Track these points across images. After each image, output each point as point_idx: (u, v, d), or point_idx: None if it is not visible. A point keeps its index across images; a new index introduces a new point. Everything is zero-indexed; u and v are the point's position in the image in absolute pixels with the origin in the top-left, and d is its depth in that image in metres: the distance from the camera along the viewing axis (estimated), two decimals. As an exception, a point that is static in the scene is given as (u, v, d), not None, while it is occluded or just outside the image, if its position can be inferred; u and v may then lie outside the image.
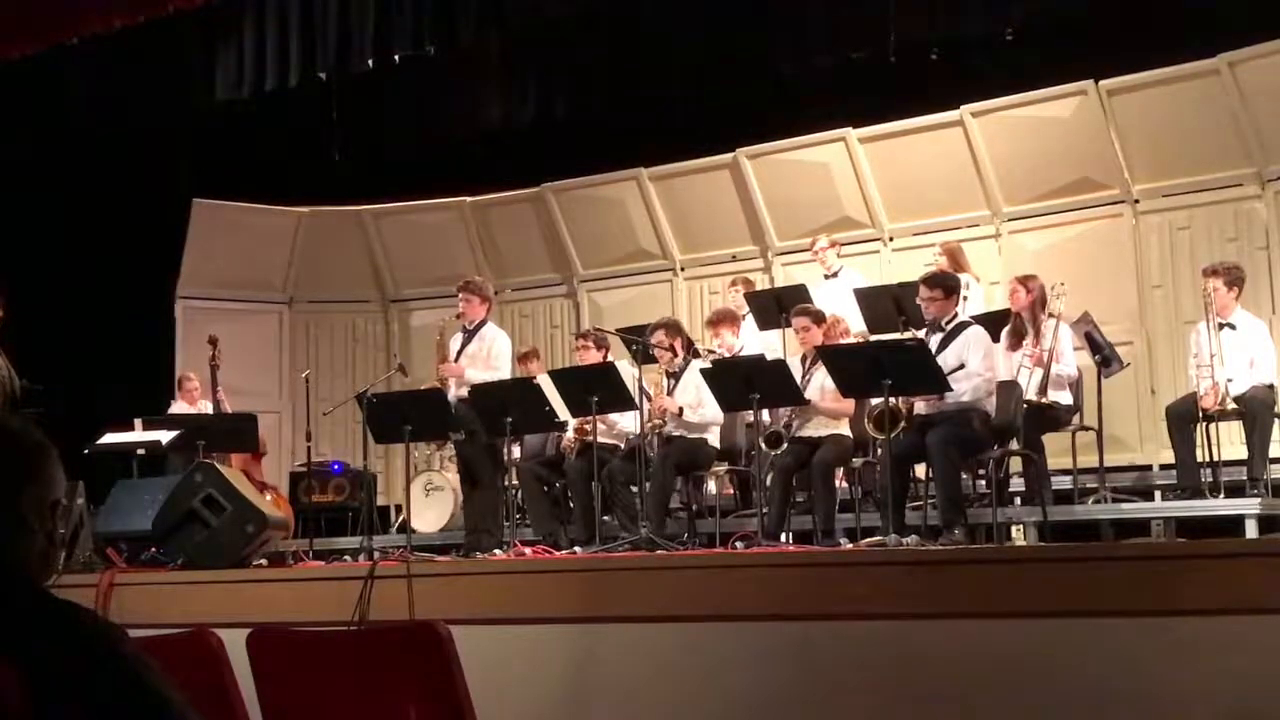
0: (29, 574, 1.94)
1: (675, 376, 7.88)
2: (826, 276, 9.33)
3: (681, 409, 7.71)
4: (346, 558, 7.95)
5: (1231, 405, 7.22)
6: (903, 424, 6.74)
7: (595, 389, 7.37)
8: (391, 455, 10.40)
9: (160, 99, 10.26)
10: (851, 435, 7.56)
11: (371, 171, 11.34)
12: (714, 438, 7.86)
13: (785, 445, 7.36)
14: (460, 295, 8.30)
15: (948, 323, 7.03)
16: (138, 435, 8.76)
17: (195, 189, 11.09)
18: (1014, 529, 7.51)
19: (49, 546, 1.98)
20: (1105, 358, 7.95)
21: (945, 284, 7.16)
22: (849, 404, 7.45)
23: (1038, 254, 9.28)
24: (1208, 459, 7.25)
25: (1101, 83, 9.08)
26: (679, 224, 10.84)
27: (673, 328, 8.03)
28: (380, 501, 10.49)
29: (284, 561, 6.98)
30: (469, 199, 11.53)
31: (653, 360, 8.05)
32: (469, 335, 8.25)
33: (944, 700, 4.46)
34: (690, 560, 5.96)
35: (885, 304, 8.28)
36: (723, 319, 8.71)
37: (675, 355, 7.90)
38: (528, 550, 7.30)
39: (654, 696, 4.89)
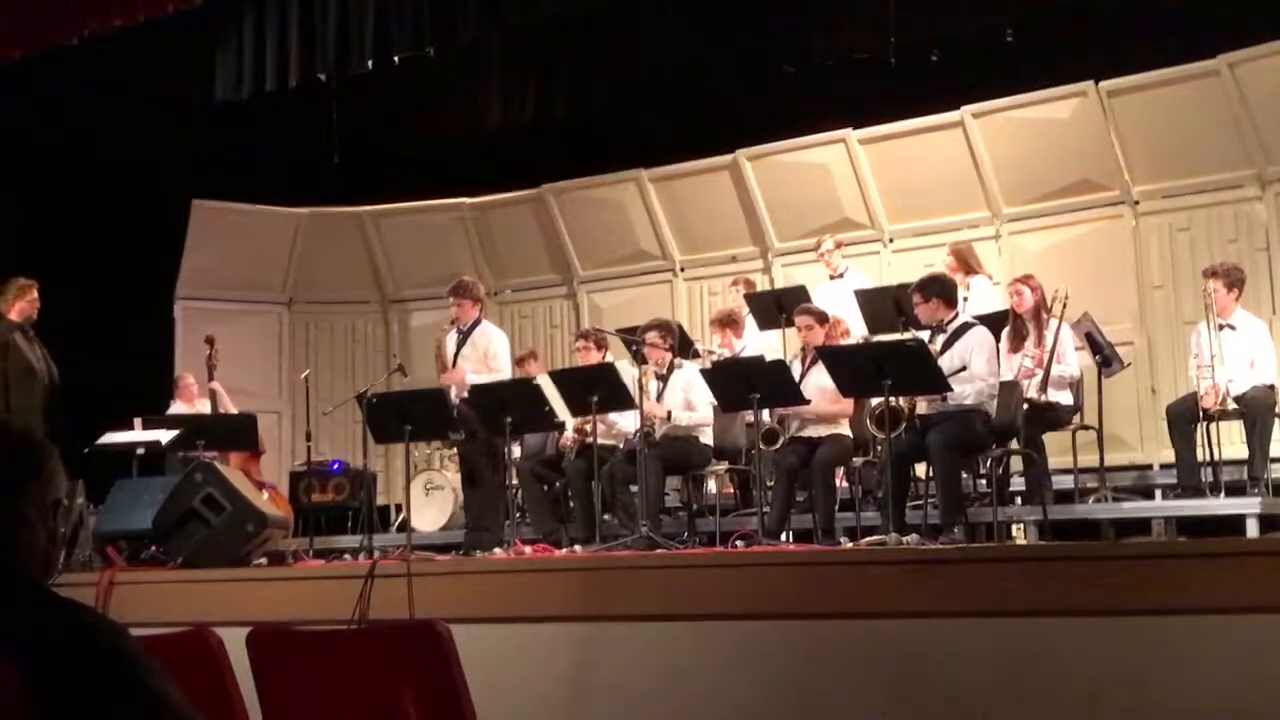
0: (30, 573, 1.94)
1: (664, 379, 7.87)
2: (832, 277, 9.33)
3: (670, 413, 7.70)
4: (346, 557, 7.96)
5: (1232, 405, 7.22)
6: (904, 423, 6.74)
7: (595, 389, 7.37)
8: (391, 455, 10.39)
9: (160, 99, 10.27)
10: (851, 435, 7.56)
11: (371, 172, 11.34)
12: (706, 436, 7.86)
13: (782, 441, 7.36)
14: (451, 300, 8.25)
15: (949, 323, 7.03)
16: (138, 435, 8.76)
17: (195, 189, 11.09)
18: (1014, 528, 7.50)
19: (50, 545, 1.98)
20: (1106, 358, 7.95)
21: (925, 290, 7.15)
22: (845, 406, 7.45)
23: (1038, 255, 9.28)
24: (1208, 458, 7.25)
25: (1101, 83, 9.08)
26: (679, 224, 10.83)
27: (664, 328, 8.01)
28: (380, 501, 10.49)
29: (284, 561, 6.99)
30: (469, 199, 11.52)
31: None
32: (464, 337, 8.22)
33: (944, 700, 4.46)
34: (690, 560, 5.96)
35: (885, 305, 8.28)
36: (728, 321, 8.71)
37: (672, 355, 7.89)
38: (528, 549, 7.30)
39: (654, 695, 4.90)
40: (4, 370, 8.22)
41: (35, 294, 8.35)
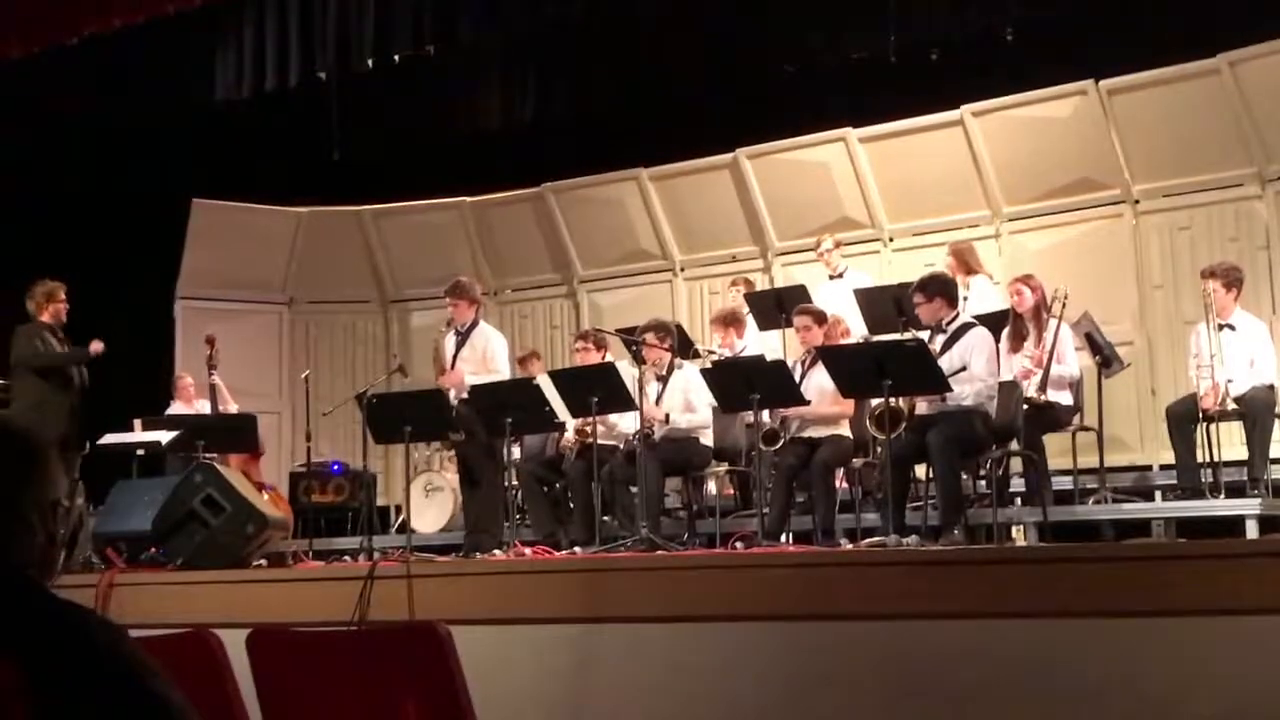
0: (30, 574, 1.94)
1: (663, 380, 7.86)
2: (831, 277, 9.33)
3: (668, 415, 7.69)
4: (346, 558, 7.95)
5: (1231, 406, 7.22)
6: (904, 424, 6.73)
7: (595, 389, 7.36)
8: (391, 455, 10.38)
9: (160, 99, 10.27)
10: (851, 436, 7.56)
11: (371, 171, 11.34)
12: (706, 437, 7.85)
13: (782, 442, 7.35)
14: (449, 300, 8.24)
15: (949, 323, 7.02)
16: (137, 435, 8.77)
17: (195, 189, 11.09)
18: (1014, 529, 7.50)
19: (49, 547, 1.98)
20: (1105, 358, 7.95)
21: (927, 289, 7.14)
22: (845, 407, 7.44)
23: (1038, 254, 9.27)
24: (1208, 459, 7.25)
25: (1101, 83, 9.08)
26: (679, 224, 10.83)
27: (662, 328, 8.00)
28: (380, 502, 10.48)
29: (284, 562, 6.98)
30: (469, 199, 11.52)
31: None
32: (462, 338, 8.21)
33: (944, 700, 4.46)
34: (690, 560, 5.96)
35: (885, 305, 8.28)
36: (730, 320, 8.70)
37: (671, 356, 7.88)
38: (528, 551, 7.28)
39: (654, 696, 4.89)
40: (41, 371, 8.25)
41: (63, 295, 8.38)
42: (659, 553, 6.73)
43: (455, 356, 8.15)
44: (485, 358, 8.10)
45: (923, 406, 6.85)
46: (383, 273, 11.98)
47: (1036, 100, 9.36)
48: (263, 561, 6.78)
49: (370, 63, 9.55)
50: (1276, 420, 7.31)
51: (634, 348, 8.06)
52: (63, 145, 10.42)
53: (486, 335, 8.24)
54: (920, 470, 7.21)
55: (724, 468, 8.16)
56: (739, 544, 6.92)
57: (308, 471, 10.03)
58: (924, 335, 7.08)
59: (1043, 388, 7.36)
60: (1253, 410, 7.21)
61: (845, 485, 7.76)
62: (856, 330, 8.45)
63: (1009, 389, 7.21)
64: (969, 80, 9.52)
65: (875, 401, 6.89)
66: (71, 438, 8.25)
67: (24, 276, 8.85)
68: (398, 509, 10.07)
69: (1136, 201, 9.22)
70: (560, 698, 5.05)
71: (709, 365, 8.05)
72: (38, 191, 10.50)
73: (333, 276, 11.85)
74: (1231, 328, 7.41)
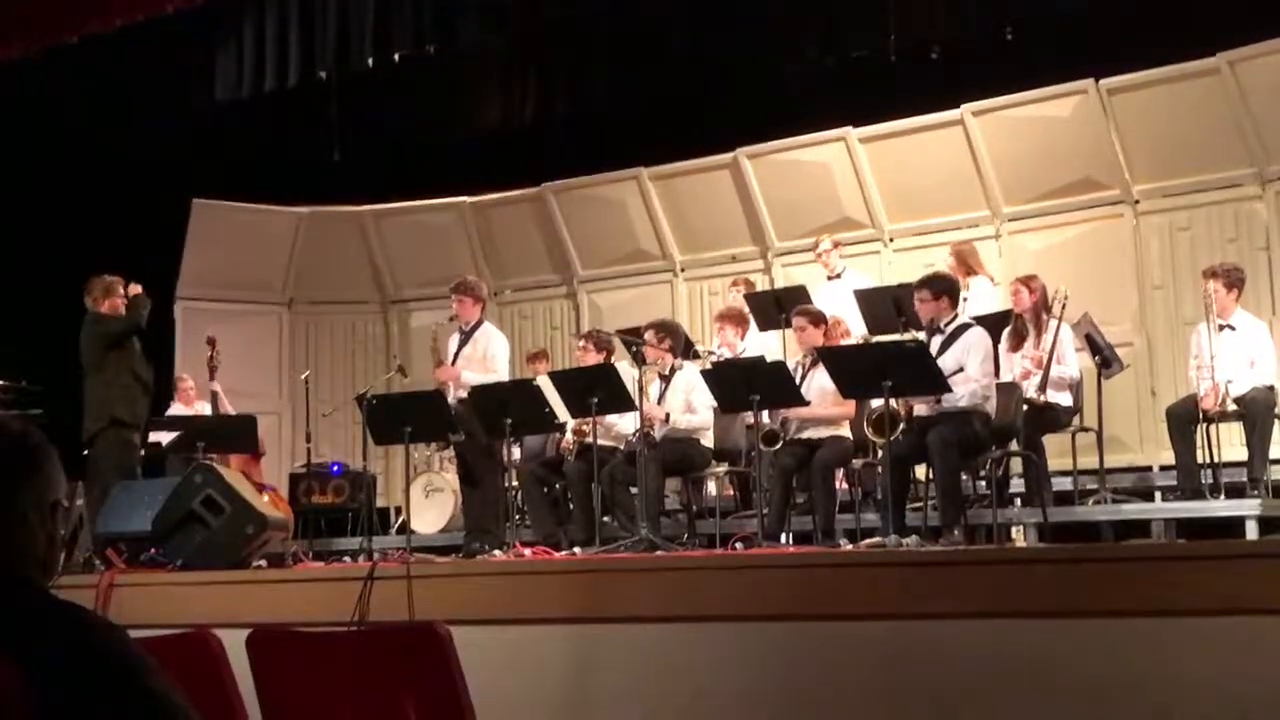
0: (29, 574, 1.94)
1: (666, 379, 7.86)
2: (830, 278, 9.33)
3: (668, 415, 7.69)
4: (346, 559, 7.96)
5: (1231, 406, 7.22)
6: (901, 426, 6.73)
7: (595, 390, 7.36)
8: (391, 456, 10.39)
9: (160, 99, 10.26)
10: (851, 436, 7.56)
11: (371, 171, 11.33)
12: (706, 438, 7.85)
13: (782, 443, 7.35)
14: (454, 297, 8.25)
15: (948, 324, 7.02)
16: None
17: (195, 189, 11.08)
18: (1014, 530, 7.50)
19: (49, 547, 1.98)
20: (1105, 359, 7.95)
21: (934, 286, 7.14)
22: (846, 408, 7.44)
23: (1038, 254, 9.28)
24: (1208, 460, 7.25)
25: (1102, 82, 9.08)
26: (679, 224, 10.83)
27: (663, 328, 7.99)
28: (380, 503, 10.48)
29: (284, 562, 6.98)
30: (469, 199, 11.52)
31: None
32: (465, 336, 8.22)
33: (944, 701, 4.46)
34: (690, 561, 5.95)
35: (885, 305, 8.27)
36: (731, 317, 8.69)
37: (673, 356, 7.87)
38: (527, 551, 7.29)
39: (654, 697, 4.89)
40: (131, 368, 8.20)
41: (121, 290, 8.36)
42: (659, 553, 6.73)
43: (457, 354, 8.16)
44: (485, 358, 8.11)
45: (921, 408, 6.85)
46: (383, 273, 11.98)
47: (1036, 100, 9.36)
48: (263, 562, 6.78)
49: (370, 63, 9.55)
50: (1276, 421, 7.31)
51: (634, 348, 8.05)
52: (63, 145, 10.41)
53: (489, 335, 8.25)
54: (920, 470, 7.21)
55: (724, 468, 8.16)
56: (739, 544, 6.92)
57: (308, 472, 10.03)
58: (921, 335, 7.08)
59: (1042, 388, 7.36)
60: (1253, 411, 7.21)
61: (845, 485, 7.76)
62: (856, 331, 8.45)
63: (1009, 390, 7.21)
64: (969, 80, 9.52)
65: (874, 404, 6.88)
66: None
67: (24, 276, 8.84)
68: (398, 510, 10.07)
69: (1136, 201, 9.22)
70: (560, 698, 5.05)
71: (709, 366, 8.05)
72: (38, 191, 10.49)
73: (333, 277, 11.85)
74: (1232, 328, 7.42)
